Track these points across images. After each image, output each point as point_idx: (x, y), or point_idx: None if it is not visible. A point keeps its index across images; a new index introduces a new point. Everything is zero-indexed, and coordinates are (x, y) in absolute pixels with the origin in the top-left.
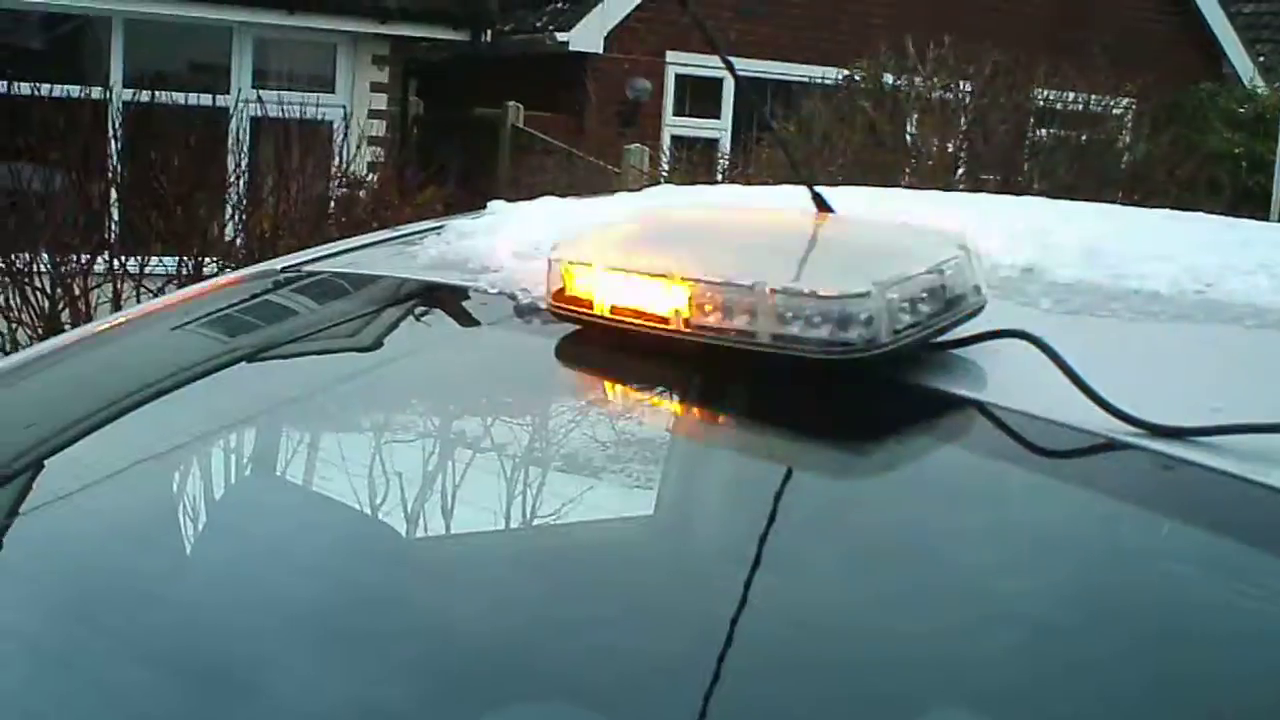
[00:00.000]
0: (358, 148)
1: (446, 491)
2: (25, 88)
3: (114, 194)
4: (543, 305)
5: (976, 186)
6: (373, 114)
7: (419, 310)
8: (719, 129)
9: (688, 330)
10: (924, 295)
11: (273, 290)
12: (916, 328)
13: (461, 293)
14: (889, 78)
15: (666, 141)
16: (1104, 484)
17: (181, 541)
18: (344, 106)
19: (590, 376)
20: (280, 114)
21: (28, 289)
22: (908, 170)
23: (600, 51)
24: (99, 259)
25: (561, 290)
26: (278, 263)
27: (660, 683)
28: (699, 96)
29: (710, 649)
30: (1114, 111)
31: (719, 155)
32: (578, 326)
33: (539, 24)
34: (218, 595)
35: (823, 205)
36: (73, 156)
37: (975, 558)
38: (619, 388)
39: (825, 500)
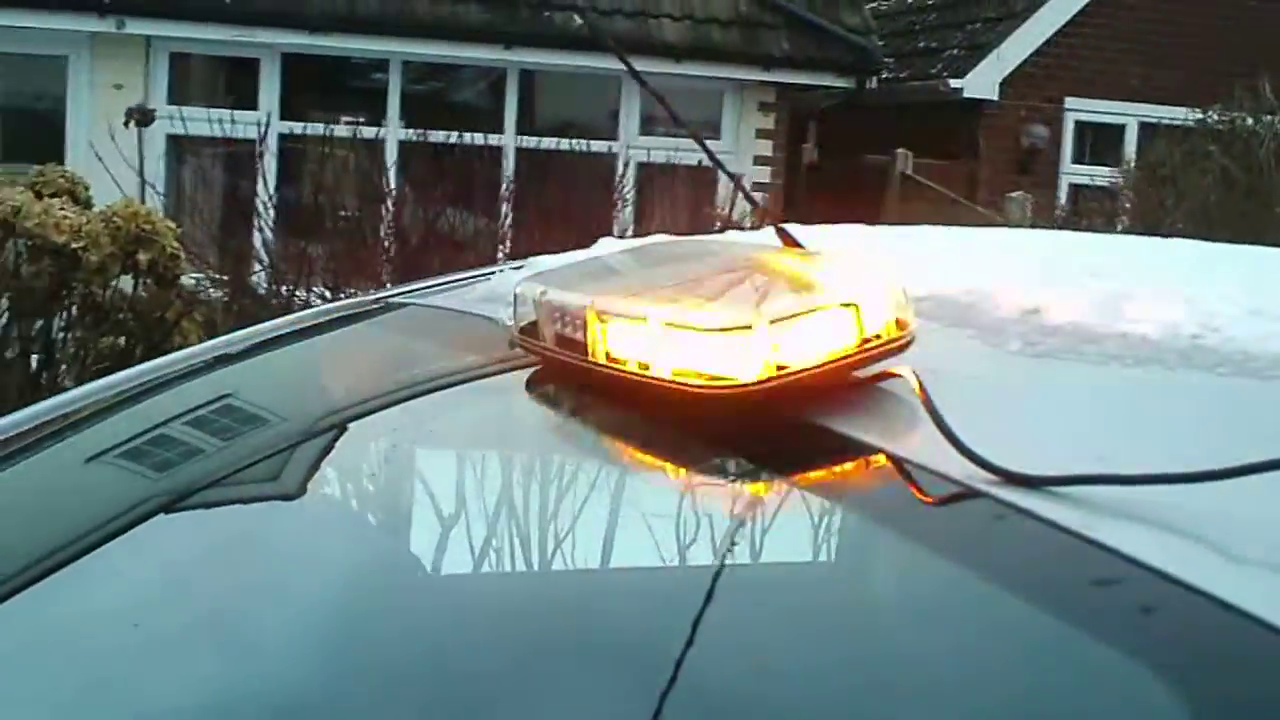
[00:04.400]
0: (740, 193)
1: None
2: (408, 133)
3: (502, 232)
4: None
5: None
6: (758, 160)
7: (442, 337)
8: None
9: (604, 363)
10: (822, 331)
11: (359, 319)
12: (808, 363)
13: (480, 323)
14: (1249, 119)
15: (1064, 190)
16: (945, 530)
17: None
18: (731, 153)
19: (537, 409)
20: (665, 160)
21: None
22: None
23: (995, 98)
24: None
25: (531, 324)
26: (384, 294)
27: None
28: (1100, 144)
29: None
30: None
31: (1119, 204)
32: (538, 359)
33: (934, 70)
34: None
35: (790, 241)
36: (472, 198)
37: (811, 596)
38: (555, 423)
39: (691, 531)
